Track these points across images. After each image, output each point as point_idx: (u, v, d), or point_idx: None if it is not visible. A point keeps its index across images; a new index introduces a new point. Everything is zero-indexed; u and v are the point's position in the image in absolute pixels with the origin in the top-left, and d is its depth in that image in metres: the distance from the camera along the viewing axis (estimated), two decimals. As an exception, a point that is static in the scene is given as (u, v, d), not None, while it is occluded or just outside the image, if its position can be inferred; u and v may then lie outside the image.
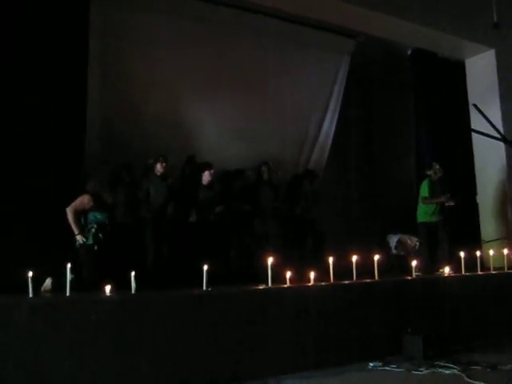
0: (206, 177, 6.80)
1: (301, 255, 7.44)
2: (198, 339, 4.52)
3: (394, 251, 8.47)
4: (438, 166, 7.91)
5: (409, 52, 9.60)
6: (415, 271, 6.45)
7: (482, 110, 4.64)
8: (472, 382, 4.37)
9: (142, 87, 7.03)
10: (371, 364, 5.07)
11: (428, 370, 4.81)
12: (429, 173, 7.88)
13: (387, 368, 4.98)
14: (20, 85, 5.93)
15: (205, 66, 7.50)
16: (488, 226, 9.28)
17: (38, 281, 4.72)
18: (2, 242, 5.53)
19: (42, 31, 6.10)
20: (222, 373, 4.54)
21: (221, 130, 7.73)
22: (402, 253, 8.38)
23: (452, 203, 7.72)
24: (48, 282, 5.31)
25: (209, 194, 6.84)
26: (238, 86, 7.82)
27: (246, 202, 7.21)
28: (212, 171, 6.82)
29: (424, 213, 7.83)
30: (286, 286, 5.32)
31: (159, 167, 6.57)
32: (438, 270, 7.29)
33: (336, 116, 8.83)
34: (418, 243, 8.19)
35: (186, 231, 6.62)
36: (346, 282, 5.73)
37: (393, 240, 8.54)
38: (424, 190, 7.82)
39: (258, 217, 7.25)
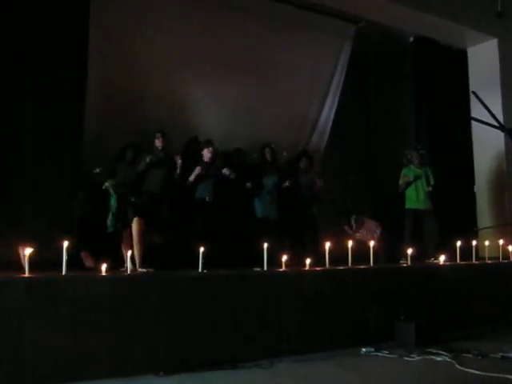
0: (206, 154, 6.84)
1: (298, 240, 7.44)
2: (192, 321, 4.55)
3: (357, 235, 7.71)
4: (411, 154, 7.94)
5: (411, 39, 9.54)
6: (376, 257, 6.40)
7: (483, 98, 4.62)
8: (462, 369, 4.42)
9: (142, 70, 6.97)
10: (364, 349, 5.12)
11: (420, 357, 4.85)
12: (404, 161, 7.91)
13: (379, 354, 5.03)
14: (19, 67, 5.92)
15: (205, 48, 7.44)
16: (485, 215, 9.30)
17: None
18: (4, 219, 5.55)
19: (42, 10, 6.06)
20: (216, 355, 4.57)
21: (220, 112, 7.69)
22: (364, 238, 7.57)
23: (429, 189, 7.75)
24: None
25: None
26: (239, 68, 7.77)
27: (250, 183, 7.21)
28: (211, 148, 6.85)
29: (408, 199, 7.83)
30: (281, 270, 5.35)
31: (157, 142, 6.60)
32: (428, 259, 7.31)
33: (336, 101, 8.79)
34: (379, 230, 7.72)
35: (185, 211, 6.66)
36: (341, 267, 5.76)
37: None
38: (400, 176, 7.88)
39: (260, 199, 7.23)
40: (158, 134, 6.59)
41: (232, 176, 6.84)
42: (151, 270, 5.43)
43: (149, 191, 6.49)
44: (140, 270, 5.46)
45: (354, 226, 7.78)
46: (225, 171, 6.80)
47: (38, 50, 6.01)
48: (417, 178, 7.76)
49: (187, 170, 6.69)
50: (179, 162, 6.58)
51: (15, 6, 5.90)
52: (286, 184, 7.35)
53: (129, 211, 5.74)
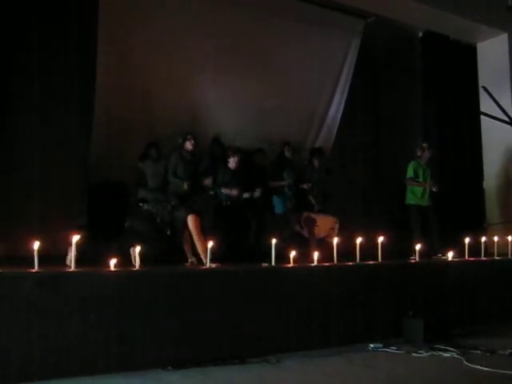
0: (232, 163, 6.87)
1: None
2: (200, 316, 4.56)
3: (297, 227, 7.07)
4: (426, 146, 7.85)
5: (420, 34, 9.50)
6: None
7: (493, 94, 4.61)
8: (470, 365, 4.41)
9: (146, 68, 6.97)
10: (372, 345, 5.12)
11: (428, 353, 4.86)
12: (418, 153, 7.85)
13: (388, 350, 5.03)
14: (27, 68, 5.94)
15: (216, 45, 7.42)
16: (494, 211, 9.26)
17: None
18: (13, 214, 5.60)
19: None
20: (224, 350, 4.59)
21: (229, 109, 7.69)
22: (305, 233, 7.04)
23: (435, 189, 7.65)
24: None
25: (235, 179, 6.88)
26: (248, 64, 7.75)
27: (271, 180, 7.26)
28: (235, 158, 6.87)
29: (412, 194, 7.72)
30: (288, 265, 5.35)
31: (188, 145, 6.68)
32: (435, 255, 7.28)
33: (345, 96, 8.76)
34: (337, 225, 6.98)
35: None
36: (350, 263, 5.76)
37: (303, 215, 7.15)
38: (408, 170, 7.76)
39: (280, 195, 7.24)
40: (189, 136, 6.68)
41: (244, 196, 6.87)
42: (219, 264, 5.44)
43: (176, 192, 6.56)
44: (209, 265, 5.46)
45: (303, 226, 7.08)
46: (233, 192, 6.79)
47: (44, 48, 6.02)
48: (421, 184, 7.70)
49: (211, 172, 6.74)
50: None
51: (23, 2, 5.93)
52: (304, 186, 7.36)
53: (181, 211, 5.77)
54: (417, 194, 7.69)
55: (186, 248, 5.71)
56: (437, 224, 7.61)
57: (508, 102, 8.52)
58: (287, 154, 7.53)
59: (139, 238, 5.37)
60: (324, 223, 7.07)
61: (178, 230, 5.76)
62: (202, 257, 5.45)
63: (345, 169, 8.74)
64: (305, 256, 5.86)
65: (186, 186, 6.52)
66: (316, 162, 7.72)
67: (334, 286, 5.34)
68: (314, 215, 7.13)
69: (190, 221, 5.58)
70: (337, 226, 6.97)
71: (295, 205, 7.32)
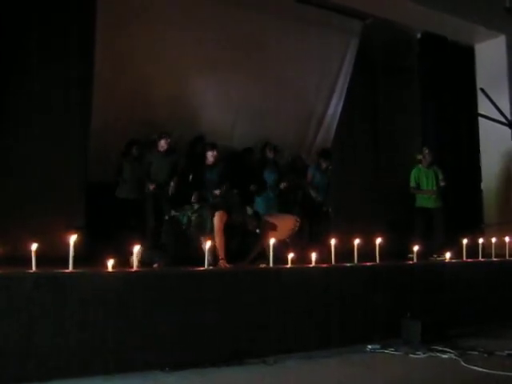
0: (209, 157, 6.86)
1: (305, 236, 7.43)
2: (198, 317, 4.56)
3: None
4: (426, 151, 7.94)
5: (418, 36, 9.52)
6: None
7: (490, 95, 4.61)
8: (468, 366, 4.41)
9: (144, 67, 6.98)
10: (369, 347, 5.11)
11: (426, 354, 4.85)
12: (419, 157, 7.92)
13: (385, 351, 5.02)
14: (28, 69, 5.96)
15: (212, 45, 7.43)
16: (492, 212, 9.27)
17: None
18: (12, 214, 5.60)
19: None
20: (221, 351, 4.58)
21: (226, 108, 7.71)
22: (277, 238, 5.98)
23: (443, 183, 7.84)
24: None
25: (212, 174, 6.88)
26: (245, 65, 7.77)
27: (251, 182, 7.23)
28: (213, 152, 6.84)
29: (419, 198, 7.90)
30: (287, 266, 5.35)
31: (163, 143, 6.72)
32: (432, 256, 7.30)
33: (343, 97, 8.79)
34: (297, 225, 6.34)
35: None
36: (348, 264, 5.76)
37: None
38: (411, 179, 7.94)
39: (263, 196, 7.25)
40: (164, 135, 6.74)
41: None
42: (228, 265, 5.42)
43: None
44: (221, 263, 5.42)
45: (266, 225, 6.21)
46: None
47: (44, 48, 6.03)
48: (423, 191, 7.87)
49: (190, 170, 6.75)
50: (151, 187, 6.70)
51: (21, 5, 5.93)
52: (284, 185, 7.38)
53: (207, 209, 5.74)
54: (423, 196, 7.90)
55: (219, 246, 5.56)
56: (442, 226, 7.67)
57: (506, 104, 8.54)
58: (269, 154, 7.54)
59: (164, 251, 5.41)
60: (285, 224, 6.33)
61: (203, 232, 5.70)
62: (219, 252, 5.43)
63: (343, 169, 8.74)
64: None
65: (150, 188, 6.64)
66: (323, 164, 7.76)
67: (333, 287, 5.34)
68: (273, 219, 6.32)
69: (217, 216, 5.56)
70: (297, 225, 6.40)
71: (279, 205, 7.35)
